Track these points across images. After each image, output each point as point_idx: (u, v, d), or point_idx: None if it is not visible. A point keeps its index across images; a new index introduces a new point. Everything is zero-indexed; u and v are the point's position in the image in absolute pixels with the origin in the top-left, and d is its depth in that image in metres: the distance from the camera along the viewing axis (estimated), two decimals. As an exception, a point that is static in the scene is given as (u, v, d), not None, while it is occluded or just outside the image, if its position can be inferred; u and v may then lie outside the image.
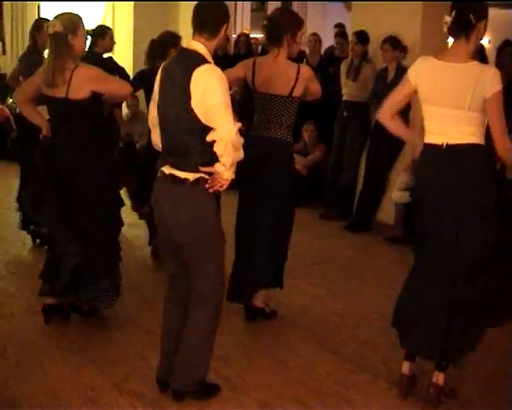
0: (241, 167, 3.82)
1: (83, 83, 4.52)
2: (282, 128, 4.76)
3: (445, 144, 3.81)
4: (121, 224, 5.05)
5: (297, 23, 4.81)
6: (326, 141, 8.68)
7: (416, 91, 3.91)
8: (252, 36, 12.06)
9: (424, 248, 3.99)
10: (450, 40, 7.91)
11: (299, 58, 10.05)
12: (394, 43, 7.28)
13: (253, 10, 17.73)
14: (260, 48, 11.40)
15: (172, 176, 3.66)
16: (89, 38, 7.29)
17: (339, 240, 7.36)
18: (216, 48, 3.79)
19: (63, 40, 4.47)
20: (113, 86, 4.80)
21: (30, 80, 4.84)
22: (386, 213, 7.54)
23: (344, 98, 8.00)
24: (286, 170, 4.83)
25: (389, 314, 4.18)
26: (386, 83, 7.32)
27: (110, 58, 7.61)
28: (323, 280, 6.01)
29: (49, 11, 11.78)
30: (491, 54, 8.06)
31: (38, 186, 4.76)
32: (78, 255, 4.65)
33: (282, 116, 4.74)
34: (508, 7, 15.28)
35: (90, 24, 11.01)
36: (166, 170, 3.70)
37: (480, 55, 7.45)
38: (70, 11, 4.77)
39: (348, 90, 7.90)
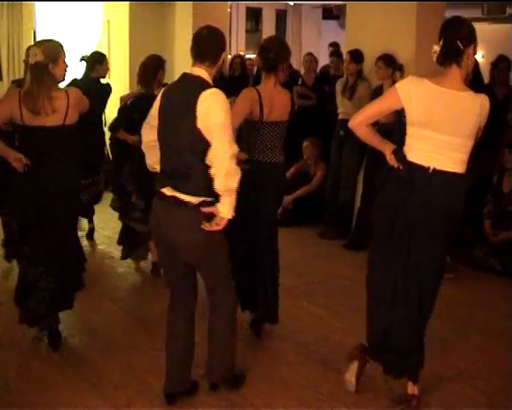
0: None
1: (76, 106, 4.70)
2: (279, 151, 4.95)
3: (431, 168, 3.84)
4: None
5: (289, 53, 5.06)
6: (324, 160, 8.71)
7: (401, 109, 3.93)
8: (247, 57, 12.13)
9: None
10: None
11: (293, 78, 10.17)
12: (388, 61, 7.32)
13: (247, 31, 17.86)
14: (255, 69, 11.46)
15: (175, 198, 3.75)
16: (83, 63, 7.48)
17: (338, 258, 7.36)
18: (215, 75, 3.97)
19: (44, 69, 4.54)
20: (85, 104, 4.96)
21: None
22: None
23: (340, 117, 8.02)
24: (279, 194, 5.12)
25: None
26: (381, 101, 7.34)
27: (108, 84, 7.73)
28: (324, 299, 6.01)
29: (45, 33, 11.87)
30: (484, 68, 8.12)
31: (21, 215, 4.82)
32: (55, 290, 4.80)
33: (281, 140, 4.94)
34: (500, 21, 15.39)
35: (87, 46, 11.18)
36: (168, 191, 3.78)
37: (473, 70, 7.50)
38: (51, 38, 4.85)
39: (344, 108, 7.93)
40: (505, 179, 7.15)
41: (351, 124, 4.08)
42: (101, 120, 7.61)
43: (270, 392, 4.35)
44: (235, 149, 3.71)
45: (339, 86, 8.07)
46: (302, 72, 10.44)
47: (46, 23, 12.49)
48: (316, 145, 8.80)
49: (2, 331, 5.16)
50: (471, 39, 3.84)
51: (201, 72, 3.83)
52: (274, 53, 4.86)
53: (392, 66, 7.34)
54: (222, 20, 10.88)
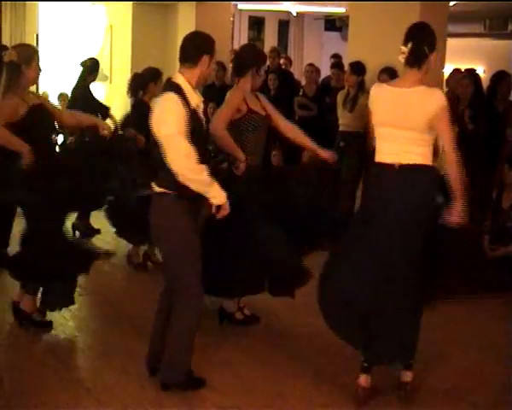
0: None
1: None
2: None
3: (397, 164, 4.04)
4: None
5: (261, 59, 5.23)
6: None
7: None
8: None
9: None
10: (446, 70, 8.03)
11: (295, 88, 10.20)
12: (392, 74, 7.33)
13: (249, 40, 17.89)
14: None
15: (152, 189, 4.17)
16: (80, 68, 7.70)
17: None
18: (200, 79, 4.08)
19: (16, 69, 4.74)
20: None
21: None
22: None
23: (340, 129, 8.04)
24: None
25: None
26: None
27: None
28: (319, 310, 5.99)
29: (48, 38, 11.91)
30: (485, 83, 8.15)
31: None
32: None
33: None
34: (502, 37, 15.45)
35: (89, 50, 11.22)
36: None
37: (475, 84, 7.53)
38: (28, 43, 5.15)
39: (344, 120, 7.95)
40: (504, 195, 7.15)
41: None
42: None
43: (265, 402, 4.33)
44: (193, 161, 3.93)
45: (340, 98, 8.10)
46: (303, 82, 10.46)
47: (49, 27, 12.53)
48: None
49: (-1, 333, 5.16)
50: (435, 47, 4.09)
51: (178, 76, 4.01)
52: (242, 58, 5.16)
53: (395, 79, 7.34)
54: (225, 28, 10.94)
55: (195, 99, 4.03)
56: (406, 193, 4.02)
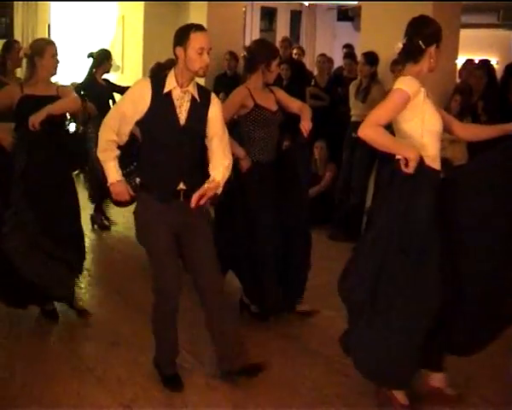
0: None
1: None
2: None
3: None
4: None
5: (272, 54, 5.13)
6: (335, 162, 8.70)
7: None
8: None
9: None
10: (459, 61, 7.96)
11: (307, 78, 10.16)
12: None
13: (261, 31, 17.84)
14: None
15: None
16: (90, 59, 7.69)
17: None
18: (185, 70, 4.01)
19: (30, 61, 5.02)
20: None
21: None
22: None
23: (352, 119, 8.00)
24: None
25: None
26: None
27: (107, 80, 8.05)
28: (333, 301, 5.94)
29: (59, 29, 11.93)
30: (499, 75, 8.09)
31: None
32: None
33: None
34: (513, 28, 15.33)
35: (101, 41, 11.22)
36: None
37: (488, 75, 7.48)
38: (44, 37, 5.35)
39: (357, 111, 7.90)
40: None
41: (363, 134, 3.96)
42: None
43: (276, 393, 4.34)
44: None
45: (352, 89, 8.06)
46: (315, 73, 10.43)
47: (61, 18, 12.54)
48: (327, 147, 8.80)
49: (9, 323, 5.16)
50: (435, 39, 3.93)
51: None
52: (251, 54, 5.13)
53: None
54: (236, 19, 10.91)
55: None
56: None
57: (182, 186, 4.06)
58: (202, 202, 3.97)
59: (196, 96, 4.06)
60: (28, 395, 4.14)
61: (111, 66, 8.04)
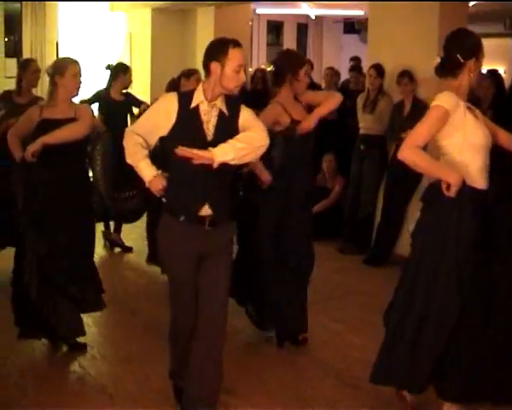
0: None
1: None
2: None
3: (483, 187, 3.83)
4: None
5: (298, 63, 4.96)
6: (344, 174, 8.69)
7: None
8: (268, 70, 12.15)
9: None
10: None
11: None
12: (412, 77, 7.31)
13: (268, 44, 17.91)
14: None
15: None
16: (108, 71, 7.63)
17: (358, 274, 7.32)
18: (218, 87, 3.69)
19: (51, 81, 4.90)
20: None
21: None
22: (405, 246, 7.48)
23: (361, 132, 8.00)
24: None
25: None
26: (402, 116, 7.35)
27: (129, 93, 7.84)
28: (343, 315, 5.98)
29: (67, 49, 11.99)
30: (507, 84, 8.07)
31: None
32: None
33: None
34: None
35: (109, 57, 11.28)
36: None
37: (497, 86, 7.46)
38: (68, 57, 5.21)
39: (365, 123, 7.91)
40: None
41: (403, 157, 3.80)
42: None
43: (286, 405, 4.33)
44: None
45: (360, 101, 8.06)
46: (323, 86, 10.44)
47: (69, 35, 12.61)
48: (335, 160, 8.79)
49: (20, 342, 5.10)
50: (474, 52, 3.83)
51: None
52: (277, 66, 5.00)
53: (414, 81, 7.33)
54: (243, 33, 10.93)
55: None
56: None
57: (207, 210, 3.72)
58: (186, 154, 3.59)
59: (224, 110, 3.75)
60: (40, 412, 4.14)
61: (129, 81, 7.81)
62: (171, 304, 3.99)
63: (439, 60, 3.90)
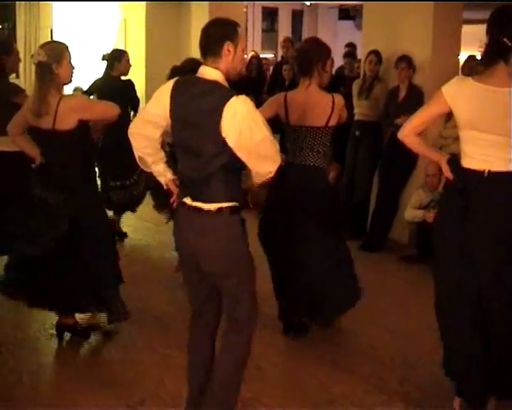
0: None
1: (68, 113, 4.52)
2: (316, 155, 4.89)
3: (486, 171, 3.59)
4: None
5: (326, 53, 4.88)
6: (339, 161, 8.68)
7: (449, 112, 3.76)
8: (262, 56, 12.11)
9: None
10: (462, 57, 7.91)
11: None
12: (409, 62, 7.29)
13: (263, 31, 17.86)
14: (272, 68, 11.44)
15: (195, 207, 3.46)
16: (104, 61, 7.50)
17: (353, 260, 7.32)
18: (230, 69, 3.47)
19: (47, 69, 4.49)
20: (98, 111, 4.83)
21: (19, 113, 4.75)
22: (400, 231, 7.52)
23: (356, 118, 7.99)
24: (325, 196, 5.01)
25: (405, 334, 4.16)
26: (397, 101, 7.34)
27: (129, 80, 7.70)
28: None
29: (62, 33, 11.94)
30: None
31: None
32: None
33: (318, 145, 4.86)
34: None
35: (104, 45, 11.25)
36: (188, 201, 3.49)
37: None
38: (57, 40, 4.78)
39: (360, 109, 7.90)
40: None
41: (399, 136, 3.82)
42: (129, 120, 7.51)
43: (283, 392, 4.35)
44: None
45: (355, 87, 8.04)
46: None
47: (63, 22, 12.56)
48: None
49: (16, 328, 5.16)
50: None
51: (212, 71, 3.44)
52: (308, 55, 4.82)
53: (411, 67, 7.31)
54: (238, 19, 10.72)
55: None
56: (495, 203, 3.63)
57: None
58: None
59: None
60: (35, 401, 4.14)
61: (126, 67, 7.53)
62: (255, 298, 3.74)
63: (483, 46, 3.63)
